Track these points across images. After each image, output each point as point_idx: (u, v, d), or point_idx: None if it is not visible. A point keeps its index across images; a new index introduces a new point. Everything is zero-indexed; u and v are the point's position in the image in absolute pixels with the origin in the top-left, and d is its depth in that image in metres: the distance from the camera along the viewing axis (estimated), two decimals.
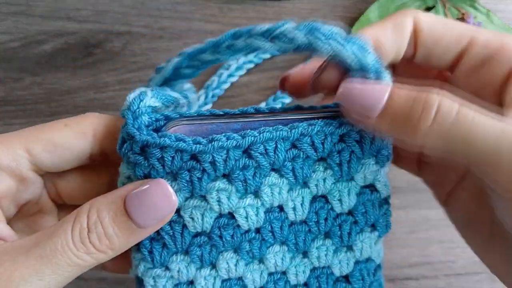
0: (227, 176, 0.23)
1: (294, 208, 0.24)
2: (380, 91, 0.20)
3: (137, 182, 0.22)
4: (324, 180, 0.24)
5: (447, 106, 0.19)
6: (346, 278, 0.25)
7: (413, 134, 0.20)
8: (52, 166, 0.23)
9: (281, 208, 0.24)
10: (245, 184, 0.23)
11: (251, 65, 0.42)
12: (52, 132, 0.23)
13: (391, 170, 0.38)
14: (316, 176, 0.23)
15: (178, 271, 0.24)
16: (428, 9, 0.44)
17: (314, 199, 0.24)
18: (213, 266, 0.24)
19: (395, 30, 0.23)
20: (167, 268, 0.24)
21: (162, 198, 0.21)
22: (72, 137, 0.23)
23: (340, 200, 0.24)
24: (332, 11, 0.46)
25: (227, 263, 0.24)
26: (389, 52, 0.23)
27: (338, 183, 0.24)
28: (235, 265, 0.24)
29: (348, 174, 0.24)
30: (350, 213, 0.25)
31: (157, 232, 0.23)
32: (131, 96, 0.22)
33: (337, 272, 0.25)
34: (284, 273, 0.25)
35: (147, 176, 0.22)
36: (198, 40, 0.42)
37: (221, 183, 0.22)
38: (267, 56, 0.43)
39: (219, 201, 0.23)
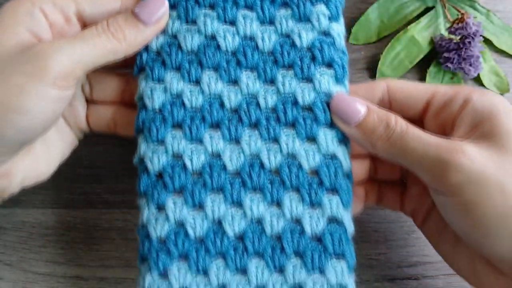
0: (211, 7, 0.30)
1: (262, 39, 0.30)
2: (357, 109, 0.28)
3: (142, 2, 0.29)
4: (286, 19, 0.30)
5: (399, 126, 0.27)
6: (309, 108, 0.29)
7: (373, 144, 0.28)
8: (91, 19, 0.30)
9: (252, 38, 0.30)
10: (224, 11, 0.30)
11: None
12: None
13: None
14: (279, 14, 0.30)
15: (170, 84, 0.30)
16: (428, 9, 0.44)
17: (280, 36, 0.30)
18: (197, 82, 0.30)
19: (368, 90, 0.30)
20: (161, 82, 0.30)
21: (159, 2, 0.29)
22: None
23: (299, 36, 0.30)
24: None
25: (209, 79, 0.30)
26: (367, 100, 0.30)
27: (298, 23, 0.30)
28: (215, 83, 0.29)
29: (304, 14, 0.30)
30: (309, 50, 0.30)
31: (158, 53, 0.30)
32: None
33: (300, 100, 0.29)
34: (255, 96, 0.29)
35: None
36: None
37: (207, 10, 0.30)
38: None
39: (205, 24, 0.30)
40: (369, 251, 0.36)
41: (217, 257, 0.28)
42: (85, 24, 0.30)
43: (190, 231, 0.28)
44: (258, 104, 0.29)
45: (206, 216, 0.28)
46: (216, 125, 0.29)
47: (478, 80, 0.43)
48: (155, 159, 0.29)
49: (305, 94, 0.29)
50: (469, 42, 0.40)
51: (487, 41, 0.44)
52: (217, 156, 0.29)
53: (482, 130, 0.26)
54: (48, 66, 0.25)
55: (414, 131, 0.27)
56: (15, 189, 0.29)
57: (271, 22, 0.30)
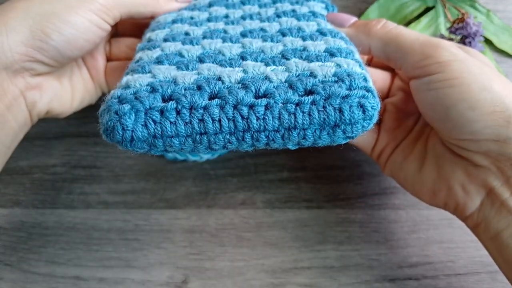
0: None
1: None
2: (348, 17, 0.33)
3: None
4: None
5: (390, 22, 0.31)
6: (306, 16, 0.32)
7: (367, 34, 0.31)
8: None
9: None
10: None
11: None
12: None
13: None
14: None
15: (181, 12, 0.34)
16: (428, 9, 0.44)
17: None
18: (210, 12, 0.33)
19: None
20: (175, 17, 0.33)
21: None
22: None
23: None
24: None
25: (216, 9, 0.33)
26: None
27: None
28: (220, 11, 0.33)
29: None
30: None
31: None
32: None
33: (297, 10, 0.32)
34: (257, 14, 0.33)
35: None
36: None
37: None
38: None
39: None
40: (369, 251, 0.36)
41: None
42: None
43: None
44: (259, 14, 0.33)
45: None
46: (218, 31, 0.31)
47: None
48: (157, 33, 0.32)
49: (301, 11, 0.33)
50: (469, 42, 0.40)
51: (487, 41, 0.44)
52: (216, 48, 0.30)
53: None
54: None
55: (405, 28, 0.31)
56: (42, 109, 0.32)
57: None
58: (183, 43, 0.30)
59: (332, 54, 0.27)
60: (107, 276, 0.35)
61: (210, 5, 0.34)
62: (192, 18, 0.33)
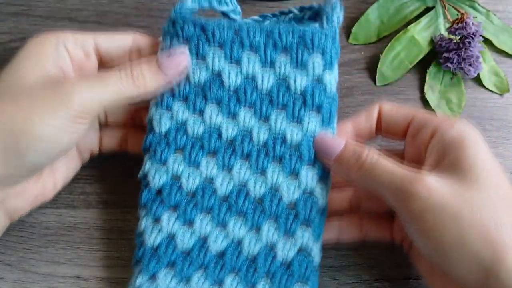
0: (220, 46, 0.33)
1: (262, 80, 0.33)
2: (336, 145, 0.31)
3: (165, 51, 0.33)
4: (285, 64, 0.33)
5: (370, 158, 0.30)
6: (296, 147, 0.32)
7: (350, 175, 0.31)
8: (106, 54, 0.34)
9: (253, 78, 0.33)
10: (231, 51, 0.33)
11: None
12: (111, 32, 0.34)
13: None
14: (279, 59, 0.33)
15: (177, 113, 0.33)
16: (428, 9, 0.44)
17: (278, 78, 0.33)
18: (201, 113, 0.33)
19: (367, 115, 0.33)
20: (169, 110, 0.33)
21: (182, 57, 0.32)
22: (122, 35, 0.34)
23: (295, 81, 0.32)
24: None
25: (211, 111, 0.33)
26: (365, 130, 0.34)
27: (295, 69, 0.33)
28: (216, 115, 0.33)
29: (301, 62, 0.33)
30: (302, 95, 0.32)
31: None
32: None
33: (288, 139, 0.32)
34: (250, 131, 0.32)
35: (171, 45, 0.33)
36: None
37: (216, 48, 0.33)
38: None
39: (213, 61, 0.33)
40: (369, 250, 0.36)
41: (199, 269, 0.31)
42: (101, 57, 0.34)
43: (179, 243, 0.31)
44: (251, 138, 0.32)
45: (194, 232, 0.32)
46: (213, 153, 0.32)
47: (478, 80, 0.43)
48: (157, 177, 0.32)
49: (294, 134, 0.32)
50: (469, 42, 0.40)
51: (487, 41, 0.44)
52: (210, 180, 0.32)
53: (448, 160, 0.28)
54: (70, 103, 0.28)
55: (384, 163, 0.29)
56: (25, 210, 0.32)
57: (272, 65, 0.33)
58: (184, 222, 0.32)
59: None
60: (107, 276, 0.35)
61: (205, 100, 0.33)
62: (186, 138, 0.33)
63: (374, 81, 0.42)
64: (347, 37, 0.44)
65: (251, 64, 0.33)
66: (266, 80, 0.33)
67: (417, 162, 0.31)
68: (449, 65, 0.41)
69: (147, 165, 0.33)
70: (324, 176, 0.32)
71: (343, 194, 0.35)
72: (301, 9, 0.37)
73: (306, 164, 0.32)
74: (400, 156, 0.33)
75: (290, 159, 0.32)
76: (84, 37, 0.33)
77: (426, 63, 0.43)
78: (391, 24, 0.44)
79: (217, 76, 0.33)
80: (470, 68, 0.40)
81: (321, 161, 0.32)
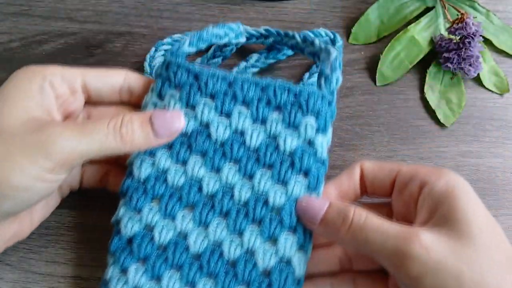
0: (212, 97, 0.32)
1: (251, 137, 0.31)
2: (320, 206, 0.29)
3: (161, 109, 0.32)
4: (277, 123, 0.31)
5: (357, 216, 0.28)
6: (278, 211, 0.30)
7: (337, 238, 0.28)
8: (95, 92, 0.32)
9: (242, 133, 0.32)
10: (222, 104, 0.32)
11: (255, 69, 0.42)
12: (102, 69, 0.33)
13: None
14: (271, 117, 0.31)
15: (159, 160, 0.31)
16: (428, 9, 0.44)
17: (268, 137, 0.31)
18: (184, 163, 0.31)
19: (348, 176, 0.32)
20: (152, 156, 0.32)
21: (177, 119, 0.31)
22: (113, 73, 0.33)
23: (284, 141, 0.31)
24: (332, 11, 0.46)
25: (194, 163, 0.31)
26: (349, 192, 0.32)
27: (286, 129, 0.31)
28: (199, 168, 0.31)
29: (294, 123, 0.31)
30: (290, 156, 0.31)
31: None
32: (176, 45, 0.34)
33: (271, 201, 0.30)
34: (232, 188, 0.31)
35: (162, 88, 0.32)
36: None
37: (207, 99, 0.32)
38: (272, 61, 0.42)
39: (202, 111, 0.32)
40: None
41: None
42: (89, 95, 0.33)
43: None
44: (232, 196, 0.31)
45: None
46: (191, 207, 0.31)
47: (478, 80, 0.43)
48: (129, 225, 0.31)
49: (277, 197, 0.30)
50: (469, 42, 0.40)
51: (487, 41, 0.44)
52: (184, 236, 0.30)
53: (440, 214, 0.27)
54: (51, 154, 0.27)
55: (373, 221, 0.27)
56: (0, 250, 0.31)
57: (263, 122, 0.32)
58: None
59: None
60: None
61: (189, 150, 0.32)
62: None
63: (374, 81, 0.42)
64: (347, 37, 0.44)
65: (242, 119, 0.32)
66: (255, 137, 0.31)
67: (407, 217, 0.30)
68: (449, 65, 0.41)
69: (121, 211, 0.31)
70: (305, 244, 0.30)
71: (332, 253, 0.33)
72: (304, 40, 0.36)
73: (287, 230, 0.30)
74: (387, 208, 0.32)
75: (270, 223, 0.30)
76: (72, 74, 0.31)
77: (426, 63, 0.43)
78: (391, 24, 0.44)
79: (205, 127, 0.32)
80: (470, 68, 0.40)
81: (305, 225, 0.30)
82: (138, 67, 0.42)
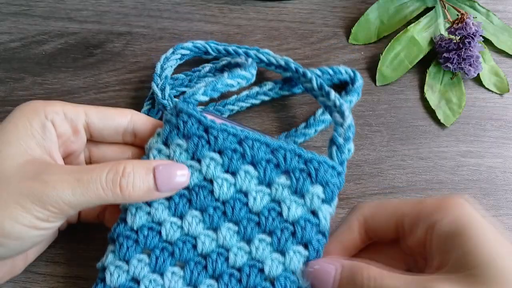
0: (220, 153, 0.30)
1: (255, 199, 0.30)
2: (328, 274, 0.27)
3: (166, 160, 0.30)
4: (283, 188, 0.30)
5: (372, 279, 0.25)
6: (272, 282, 0.29)
7: None
8: (98, 132, 0.31)
9: (245, 194, 0.30)
10: (229, 161, 0.30)
11: (257, 101, 0.40)
12: (106, 108, 0.32)
13: (390, 170, 0.39)
14: (278, 181, 0.30)
15: (156, 210, 0.30)
16: (428, 9, 0.44)
17: (272, 201, 0.30)
18: (181, 217, 0.30)
19: (347, 227, 0.29)
20: (148, 204, 0.30)
21: (181, 176, 0.29)
22: (118, 114, 0.32)
23: (289, 208, 0.30)
24: (332, 11, 0.46)
25: (192, 218, 0.30)
26: (351, 243, 0.30)
27: (292, 195, 0.30)
28: (196, 224, 0.30)
29: (301, 190, 0.30)
30: (293, 224, 0.30)
31: None
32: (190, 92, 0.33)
33: (266, 270, 0.29)
34: (228, 250, 0.30)
35: (170, 135, 0.31)
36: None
37: (215, 154, 0.30)
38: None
39: (208, 166, 0.30)
40: None
41: None
42: (91, 135, 0.32)
43: None
44: (227, 259, 0.29)
45: None
46: (182, 264, 0.30)
47: (478, 80, 0.43)
48: (115, 275, 0.29)
49: (274, 266, 0.29)
50: (469, 42, 0.40)
51: (487, 41, 0.44)
52: None
53: (455, 259, 0.25)
54: (45, 204, 0.26)
55: (388, 280, 0.25)
56: None
57: (269, 185, 0.30)
58: None
59: None
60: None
61: (189, 204, 0.30)
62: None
63: (374, 81, 0.42)
64: (347, 37, 0.44)
65: (247, 179, 0.30)
66: (259, 200, 0.30)
67: (417, 264, 0.28)
68: (449, 65, 0.41)
69: (109, 259, 0.30)
70: None
71: None
72: (320, 87, 0.35)
73: None
74: (396, 249, 0.30)
75: None
76: (75, 111, 0.30)
77: (426, 63, 0.43)
78: (391, 24, 0.44)
79: (209, 183, 0.30)
80: (470, 68, 0.41)
81: None
82: (138, 67, 0.43)
